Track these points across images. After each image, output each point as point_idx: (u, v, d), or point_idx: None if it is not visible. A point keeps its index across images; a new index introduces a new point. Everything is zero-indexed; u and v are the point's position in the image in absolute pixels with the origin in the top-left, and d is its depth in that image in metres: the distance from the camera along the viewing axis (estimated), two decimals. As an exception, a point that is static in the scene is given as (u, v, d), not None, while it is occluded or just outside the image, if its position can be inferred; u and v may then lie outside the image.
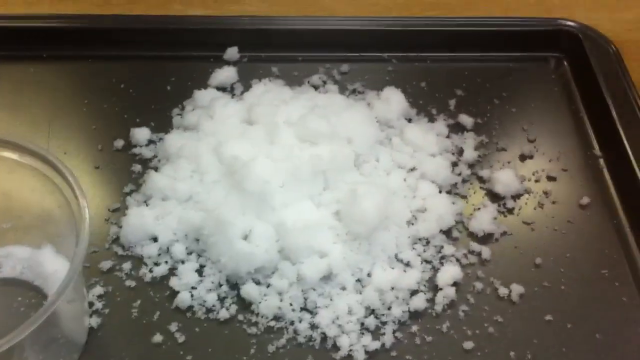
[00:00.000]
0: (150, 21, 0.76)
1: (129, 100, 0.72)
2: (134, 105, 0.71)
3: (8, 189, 0.56)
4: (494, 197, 0.66)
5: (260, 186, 0.60)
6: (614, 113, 0.70)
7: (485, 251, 0.62)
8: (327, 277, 0.59)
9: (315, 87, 0.74)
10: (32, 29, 0.75)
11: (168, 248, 0.61)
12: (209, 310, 0.58)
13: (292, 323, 0.57)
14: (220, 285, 0.59)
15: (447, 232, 0.63)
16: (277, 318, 0.57)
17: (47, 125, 0.69)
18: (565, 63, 0.78)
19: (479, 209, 0.65)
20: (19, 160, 0.54)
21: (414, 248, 0.62)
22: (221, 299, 0.58)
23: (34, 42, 0.74)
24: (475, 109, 0.73)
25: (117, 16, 0.77)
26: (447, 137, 0.70)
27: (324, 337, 0.57)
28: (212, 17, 0.78)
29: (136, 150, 0.67)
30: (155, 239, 0.61)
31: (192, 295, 0.58)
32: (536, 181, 0.68)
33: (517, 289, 0.60)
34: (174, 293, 0.58)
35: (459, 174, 0.67)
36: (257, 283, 0.59)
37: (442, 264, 0.61)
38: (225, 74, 0.73)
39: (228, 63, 0.75)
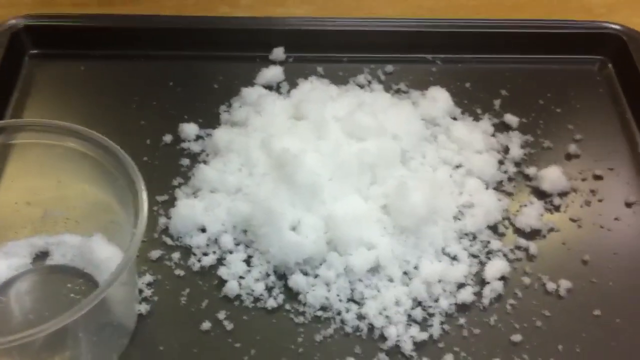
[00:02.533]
0: (198, 22, 0.78)
1: (177, 97, 0.73)
2: (181, 103, 0.72)
3: (62, 177, 0.57)
4: (541, 194, 0.66)
5: (310, 179, 0.60)
6: (660, 113, 0.70)
7: (533, 247, 0.62)
8: (374, 269, 0.59)
9: (361, 87, 0.74)
10: (83, 29, 0.76)
11: (216, 239, 0.61)
12: (256, 300, 0.58)
13: (339, 313, 0.57)
14: (268, 275, 0.59)
15: (493, 228, 0.63)
16: (324, 308, 0.58)
17: (96, 120, 0.70)
18: (610, 65, 0.78)
19: (525, 205, 0.65)
20: (77, 148, 0.55)
21: (460, 242, 0.62)
22: (269, 289, 0.59)
23: (85, 41, 0.76)
24: (520, 109, 0.73)
25: (165, 17, 0.78)
26: (493, 135, 0.70)
27: (371, 327, 0.57)
28: (258, 18, 0.79)
29: (184, 145, 0.68)
30: (203, 230, 0.62)
31: (240, 285, 0.58)
32: (583, 179, 0.68)
33: (565, 284, 0.60)
34: (222, 282, 0.59)
35: (505, 172, 0.67)
36: (305, 274, 0.59)
37: (489, 258, 0.61)
38: (272, 73, 0.74)
39: (274, 63, 0.76)
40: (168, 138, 0.69)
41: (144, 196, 0.50)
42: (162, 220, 0.63)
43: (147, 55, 0.76)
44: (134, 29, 0.76)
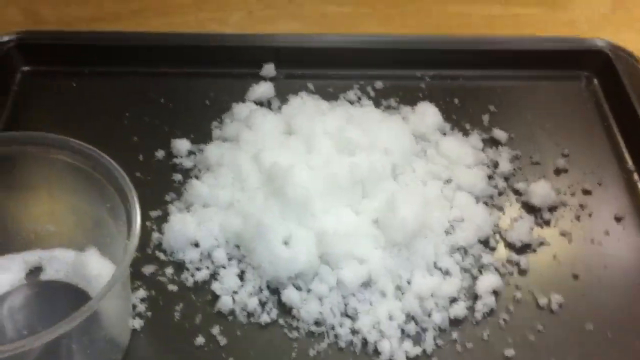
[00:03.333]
0: (189, 39, 0.78)
1: (168, 114, 0.73)
2: (173, 119, 0.72)
3: (55, 191, 0.57)
4: (530, 209, 0.67)
5: (301, 193, 0.61)
6: (647, 128, 0.71)
7: (524, 261, 0.63)
8: (366, 283, 0.60)
9: (351, 102, 0.75)
10: (75, 46, 0.76)
11: (209, 254, 0.61)
12: (250, 315, 0.58)
13: (332, 328, 0.58)
14: (261, 290, 0.59)
15: (484, 242, 0.64)
16: (317, 323, 0.58)
17: (88, 136, 0.70)
18: (596, 81, 0.79)
19: (515, 220, 0.66)
20: (69, 161, 0.55)
21: (452, 256, 0.62)
22: (262, 304, 0.59)
23: (76, 58, 0.76)
24: (508, 124, 0.74)
25: (156, 34, 0.79)
26: (482, 150, 0.71)
27: (365, 342, 0.57)
28: (249, 35, 0.79)
29: (177, 161, 0.68)
30: (196, 245, 0.62)
31: (233, 300, 0.59)
32: (572, 194, 0.68)
33: (556, 298, 0.60)
34: (216, 297, 0.59)
35: (495, 186, 0.68)
36: (298, 288, 0.59)
37: (480, 272, 0.62)
38: (262, 89, 0.74)
39: (265, 79, 0.76)
40: (160, 154, 0.69)
41: (136, 206, 0.50)
42: (155, 235, 0.63)
43: (139, 72, 0.76)
44: (125, 46, 0.77)
